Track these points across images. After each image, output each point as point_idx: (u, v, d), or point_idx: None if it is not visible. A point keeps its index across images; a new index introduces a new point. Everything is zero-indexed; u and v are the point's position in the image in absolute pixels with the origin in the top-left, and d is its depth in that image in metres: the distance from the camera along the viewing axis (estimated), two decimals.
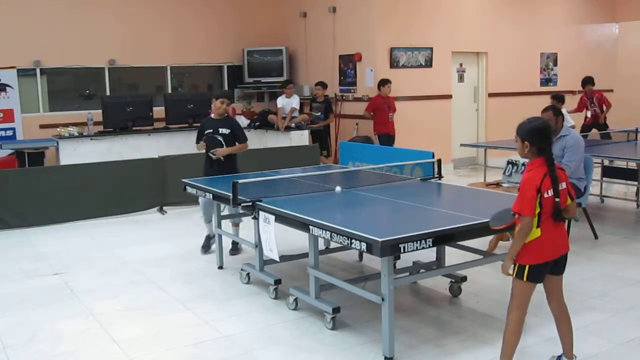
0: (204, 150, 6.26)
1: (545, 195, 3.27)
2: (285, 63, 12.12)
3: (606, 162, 8.46)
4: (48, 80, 10.93)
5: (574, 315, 4.49)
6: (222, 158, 6.20)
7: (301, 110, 10.73)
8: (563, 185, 3.38)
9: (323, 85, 10.64)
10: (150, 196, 8.31)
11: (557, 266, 3.46)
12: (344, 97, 11.26)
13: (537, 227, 3.29)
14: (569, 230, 6.30)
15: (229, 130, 6.23)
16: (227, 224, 6.14)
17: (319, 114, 10.65)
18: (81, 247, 6.77)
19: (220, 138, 6.18)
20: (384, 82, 10.05)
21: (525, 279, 3.34)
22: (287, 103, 10.29)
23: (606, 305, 4.70)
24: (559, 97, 9.30)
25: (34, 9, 10.45)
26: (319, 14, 11.58)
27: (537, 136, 3.32)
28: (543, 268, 3.38)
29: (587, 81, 10.20)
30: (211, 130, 6.24)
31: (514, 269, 3.38)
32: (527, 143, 3.33)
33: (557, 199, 3.30)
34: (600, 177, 8.34)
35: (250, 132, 10.58)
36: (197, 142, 6.34)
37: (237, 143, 6.27)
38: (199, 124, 9.89)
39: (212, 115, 6.40)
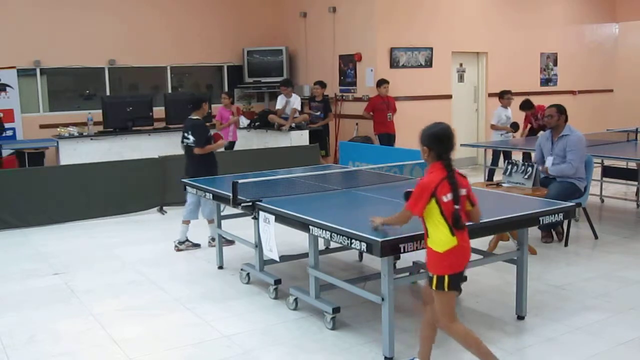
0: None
1: (444, 200, 3.24)
2: (285, 63, 12.12)
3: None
4: (48, 80, 10.94)
5: (574, 315, 4.50)
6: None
7: (301, 110, 10.73)
8: (463, 192, 3.33)
9: (322, 84, 10.64)
10: (150, 196, 8.30)
11: None
12: (344, 97, 11.26)
13: (453, 235, 3.26)
14: (568, 230, 6.34)
15: None
16: (226, 224, 6.13)
17: (318, 113, 10.67)
18: (81, 247, 6.77)
19: None
20: (380, 83, 10.09)
21: (446, 289, 3.30)
22: (288, 103, 10.30)
23: (606, 305, 4.70)
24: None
25: (34, 9, 10.45)
26: (319, 14, 11.58)
27: (435, 141, 3.31)
28: (460, 276, 3.38)
29: (526, 107, 10.01)
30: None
31: (431, 282, 3.33)
32: (426, 148, 3.33)
33: (456, 206, 3.25)
34: (600, 177, 8.34)
35: (250, 132, 10.62)
36: (210, 142, 6.39)
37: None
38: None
39: (200, 117, 6.43)
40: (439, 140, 3.31)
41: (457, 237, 3.27)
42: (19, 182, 7.62)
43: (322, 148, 10.26)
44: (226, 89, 12.12)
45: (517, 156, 8.40)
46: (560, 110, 6.32)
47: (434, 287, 3.33)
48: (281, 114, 10.23)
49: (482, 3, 11.75)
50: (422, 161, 6.00)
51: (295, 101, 10.28)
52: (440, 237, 3.29)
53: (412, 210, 3.32)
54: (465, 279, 4.91)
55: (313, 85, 10.83)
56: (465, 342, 3.38)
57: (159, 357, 4.03)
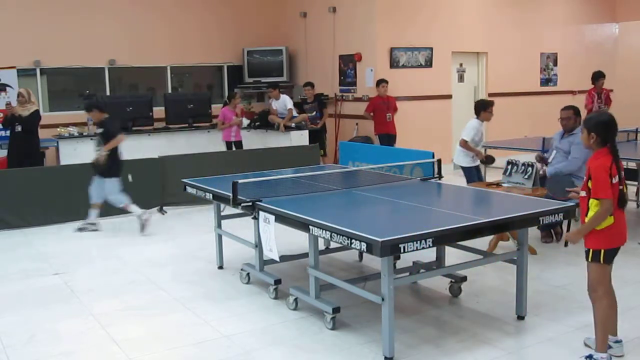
0: None
1: (614, 181, 3.53)
2: (285, 63, 12.12)
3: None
4: (48, 80, 10.94)
5: (574, 315, 4.50)
6: None
7: (299, 111, 10.77)
8: (622, 174, 3.66)
9: (312, 85, 10.76)
10: (150, 196, 8.30)
11: None
12: (344, 97, 11.27)
13: (611, 215, 3.56)
14: (568, 230, 6.32)
15: None
16: (226, 224, 6.13)
17: (314, 113, 10.72)
18: (81, 247, 6.77)
19: None
20: (379, 82, 10.12)
21: (602, 261, 3.64)
22: (279, 105, 10.51)
23: None
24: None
25: (34, 9, 10.45)
26: (319, 14, 11.59)
27: (603, 129, 3.61)
28: (615, 251, 3.72)
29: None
30: None
31: (587, 255, 3.66)
32: (593, 134, 3.62)
33: (621, 187, 3.59)
34: None
35: (250, 132, 10.62)
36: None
37: None
38: (199, 124, 10.13)
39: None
40: (606, 127, 3.62)
41: (615, 216, 3.59)
42: (19, 182, 7.61)
43: (320, 147, 10.28)
44: (226, 89, 12.13)
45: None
46: (577, 112, 6.36)
47: (589, 260, 3.67)
48: (274, 113, 10.47)
49: (482, 3, 11.75)
50: (422, 161, 6.08)
51: (287, 101, 10.37)
52: None
53: (609, 197, 3.52)
54: (465, 279, 4.93)
55: (303, 87, 10.91)
56: (603, 316, 3.71)
57: (159, 357, 4.04)
